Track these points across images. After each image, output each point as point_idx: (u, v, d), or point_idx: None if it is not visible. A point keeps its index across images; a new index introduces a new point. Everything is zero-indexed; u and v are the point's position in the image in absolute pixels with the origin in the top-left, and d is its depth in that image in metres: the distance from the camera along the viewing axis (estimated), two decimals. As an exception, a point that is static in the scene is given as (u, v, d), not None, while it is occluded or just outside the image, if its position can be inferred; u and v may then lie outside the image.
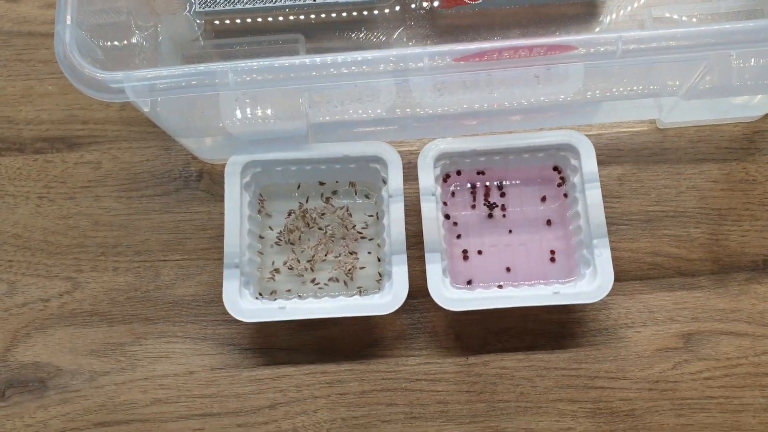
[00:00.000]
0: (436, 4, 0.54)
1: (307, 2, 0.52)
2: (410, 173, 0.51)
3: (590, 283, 0.47)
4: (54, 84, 0.56)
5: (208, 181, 0.53)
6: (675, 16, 0.55)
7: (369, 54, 0.39)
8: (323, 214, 0.52)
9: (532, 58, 0.40)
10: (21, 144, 0.54)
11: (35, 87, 0.56)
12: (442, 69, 0.40)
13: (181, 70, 0.38)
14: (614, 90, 0.49)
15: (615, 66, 0.44)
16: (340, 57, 0.39)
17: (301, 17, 0.54)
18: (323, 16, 0.54)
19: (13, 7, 0.58)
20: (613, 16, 0.56)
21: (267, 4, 0.52)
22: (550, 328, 0.50)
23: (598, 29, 0.55)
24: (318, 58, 0.39)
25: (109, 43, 0.45)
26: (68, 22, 0.40)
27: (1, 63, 0.56)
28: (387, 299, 0.46)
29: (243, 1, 0.52)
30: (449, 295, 0.46)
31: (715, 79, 0.47)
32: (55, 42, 0.39)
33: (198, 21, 0.53)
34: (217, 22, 0.54)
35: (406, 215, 0.49)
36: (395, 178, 0.49)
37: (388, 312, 0.46)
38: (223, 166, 0.50)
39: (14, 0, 0.58)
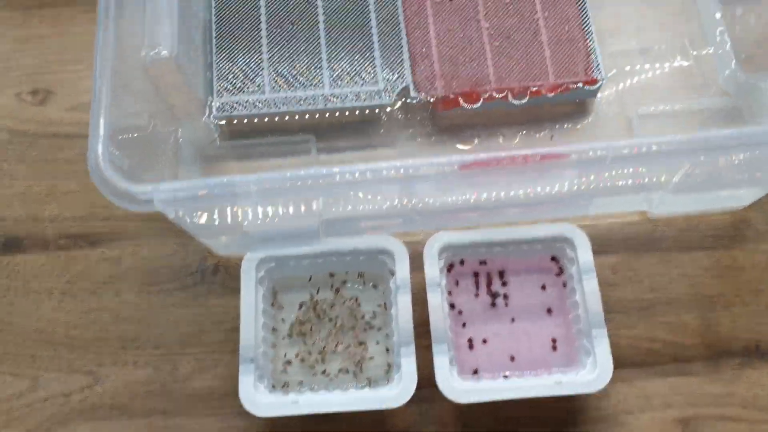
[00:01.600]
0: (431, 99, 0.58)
1: (317, 107, 0.56)
2: (416, 262, 0.54)
3: (591, 372, 0.49)
4: (77, 182, 0.59)
5: (223, 275, 0.56)
6: (660, 108, 0.59)
7: (379, 165, 0.42)
8: (333, 305, 0.54)
9: (529, 164, 0.44)
10: (45, 241, 0.57)
11: (59, 186, 0.59)
12: (447, 176, 0.43)
13: (205, 182, 0.42)
14: (605, 185, 0.53)
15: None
16: (351, 169, 0.42)
17: (314, 117, 0.58)
18: (334, 117, 0.58)
19: (41, 110, 0.61)
20: (602, 113, 0.60)
21: (280, 109, 0.56)
22: (556, 415, 0.51)
23: (587, 125, 0.59)
24: (331, 169, 0.42)
25: (133, 150, 0.48)
26: (101, 133, 0.43)
27: (28, 164, 0.60)
28: (396, 392, 0.48)
29: (258, 107, 0.56)
30: (457, 386, 0.48)
31: (701, 175, 0.51)
32: (89, 156, 0.43)
33: (215, 124, 0.57)
34: (234, 122, 0.57)
35: (412, 304, 0.51)
36: (402, 270, 0.52)
37: (397, 405, 0.48)
38: (238, 259, 0.53)
39: (42, 104, 0.62)
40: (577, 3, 0.59)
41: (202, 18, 0.58)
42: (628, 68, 0.60)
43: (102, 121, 0.44)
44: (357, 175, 0.42)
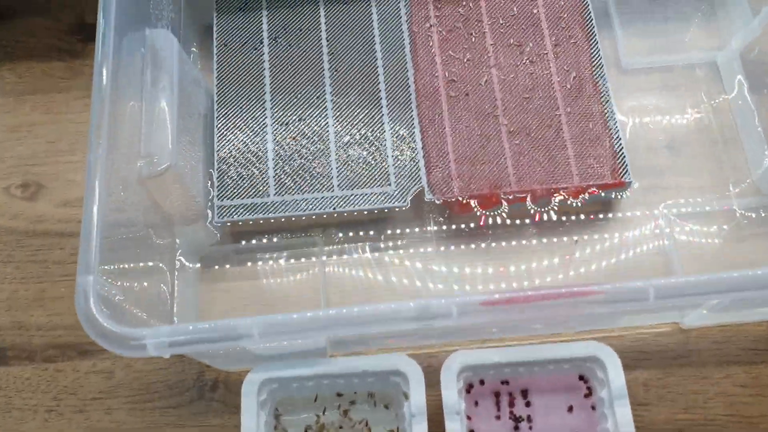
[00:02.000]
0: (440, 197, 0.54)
1: (326, 210, 0.52)
2: (431, 377, 0.49)
3: None
4: (67, 287, 0.55)
5: (223, 391, 0.52)
6: (690, 207, 0.56)
7: (394, 306, 0.38)
8: (341, 428, 0.50)
9: (560, 300, 0.40)
10: (31, 352, 0.53)
11: (48, 290, 0.55)
12: (470, 314, 0.39)
13: (204, 325, 0.38)
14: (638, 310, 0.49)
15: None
16: (362, 309, 0.38)
17: (322, 215, 0.54)
18: (343, 214, 0.54)
19: (30, 205, 0.58)
20: (628, 211, 0.56)
21: (286, 213, 0.52)
22: None
23: (612, 223, 0.55)
24: (341, 310, 0.38)
25: (126, 274, 0.44)
26: (92, 261, 0.39)
27: (15, 265, 0.56)
28: None
29: (262, 212, 0.52)
30: None
31: (740, 301, 0.47)
32: (77, 291, 0.39)
33: (217, 227, 0.53)
34: (238, 223, 0.54)
35: (429, 430, 0.47)
36: (417, 395, 0.48)
37: None
38: (239, 374, 0.49)
39: (32, 198, 0.58)
40: (600, 97, 0.56)
41: (202, 114, 0.55)
42: (654, 163, 0.57)
43: (93, 246, 0.40)
44: (370, 314, 0.38)
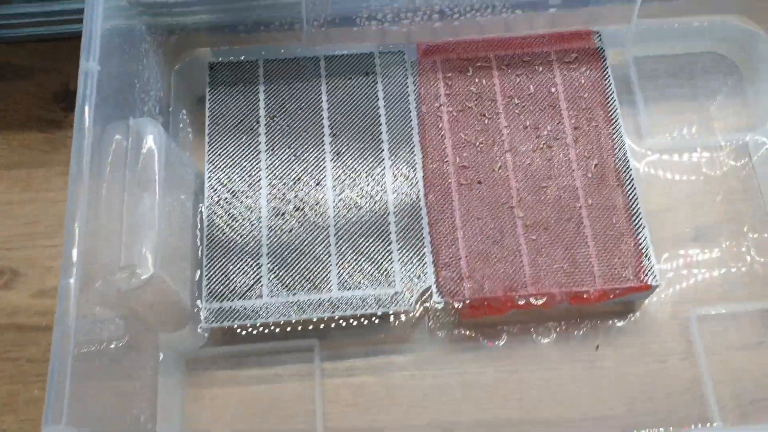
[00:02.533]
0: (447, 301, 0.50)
1: (324, 314, 0.48)
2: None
3: None
4: (41, 389, 0.50)
5: None
6: (720, 309, 0.51)
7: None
8: None
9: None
10: (0, 466, 0.49)
11: (21, 392, 0.50)
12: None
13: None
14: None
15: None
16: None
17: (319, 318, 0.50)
18: (341, 322, 0.49)
19: (4, 295, 0.53)
20: (652, 311, 0.51)
21: (279, 318, 0.48)
22: None
23: (635, 324, 0.51)
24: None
25: (103, 411, 0.40)
26: (66, 393, 0.35)
27: (-14, 362, 0.51)
28: None
29: (254, 316, 0.48)
30: None
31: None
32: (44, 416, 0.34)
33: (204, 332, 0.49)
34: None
35: None
36: None
37: None
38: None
39: (6, 287, 0.53)
40: (623, 188, 0.51)
41: (191, 205, 0.50)
42: (681, 260, 0.53)
43: (64, 392, 0.35)
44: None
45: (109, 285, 0.41)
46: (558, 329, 0.51)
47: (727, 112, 0.57)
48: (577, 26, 0.56)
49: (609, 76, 0.55)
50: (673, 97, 0.57)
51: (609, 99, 0.54)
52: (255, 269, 0.48)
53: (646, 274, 0.49)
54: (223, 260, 0.49)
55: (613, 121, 0.53)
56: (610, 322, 0.51)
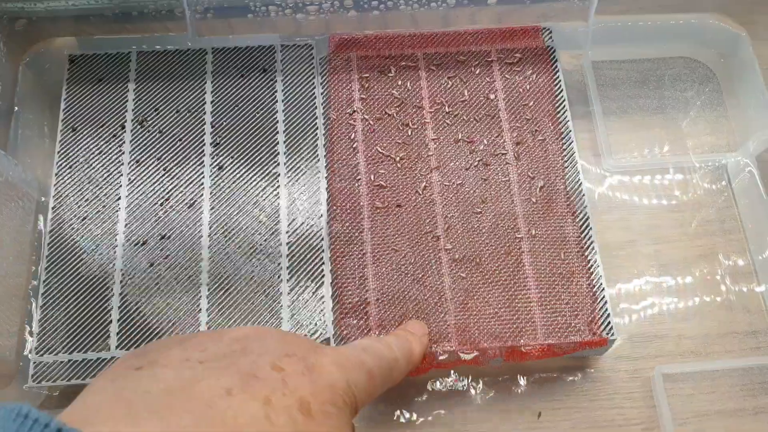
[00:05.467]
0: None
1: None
2: None
3: None
4: None
5: None
6: (690, 365, 0.42)
7: None
8: None
9: None
10: None
11: None
12: None
13: None
14: None
15: None
16: None
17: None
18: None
19: None
20: (608, 369, 0.42)
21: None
22: None
23: (587, 383, 0.41)
24: None
25: None
26: None
27: None
28: None
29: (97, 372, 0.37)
30: None
31: None
32: None
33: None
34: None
35: None
36: None
37: None
38: None
39: None
40: (576, 217, 0.42)
41: (29, 233, 0.40)
42: (644, 306, 0.43)
43: None
44: None
45: None
46: (494, 393, 0.41)
47: (701, 127, 0.48)
48: (526, 23, 0.47)
49: (560, 81, 0.45)
50: (638, 110, 0.48)
51: (559, 109, 0.45)
52: (103, 313, 0.38)
53: (602, 325, 0.39)
54: (64, 300, 0.38)
55: (563, 136, 0.44)
56: (558, 382, 0.41)
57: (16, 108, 0.42)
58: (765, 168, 0.45)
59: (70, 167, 0.41)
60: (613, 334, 0.39)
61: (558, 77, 0.46)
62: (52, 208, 0.40)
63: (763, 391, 0.41)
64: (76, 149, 0.41)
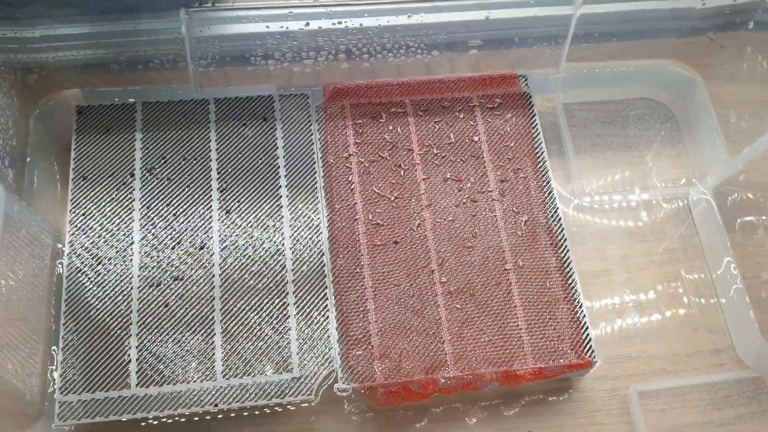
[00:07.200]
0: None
1: (206, 408, 0.39)
2: None
3: None
4: None
5: None
6: (663, 383, 0.46)
7: None
8: None
9: None
10: None
11: None
12: None
13: None
14: None
15: None
16: None
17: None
18: (231, 414, 0.41)
19: None
20: (586, 388, 0.45)
21: (154, 413, 0.39)
22: None
23: (568, 402, 0.44)
24: None
25: None
26: None
27: None
28: None
29: (119, 410, 0.39)
30: None
31: None
32: None
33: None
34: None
35: None
36: None
37: None
38: None
39: None
40: (557, 248, 0.45)
41: (46, 273, 0.42)
42: (619, 329, 0.47)
43: None
44: None
45: None
46: (486, 415, 0.44)
47: (663, 163, 0.52)
48: (502, 70, 0.51)
49: (537, 123, 0.49)
50: (607, 148, 0.52)
51: (537, 148, 0.49)
52: (122, 353, 0.40)
53: (585, 349, 0.43)
54: (84, 342, 0.40)
55: (542, 173, 0.48)
56: (541, 399, 0.44)
57: (29, 158, 0.44)
58: (721, 199, 0.50)
59: (84, 214, 0.43)
60: (595, 357, 0.42)
61: (535, 120, 0.50)
62: (68, 255, 0.42)
63: (727, 404, 0.46)
64: (88, 196, 0.43)
